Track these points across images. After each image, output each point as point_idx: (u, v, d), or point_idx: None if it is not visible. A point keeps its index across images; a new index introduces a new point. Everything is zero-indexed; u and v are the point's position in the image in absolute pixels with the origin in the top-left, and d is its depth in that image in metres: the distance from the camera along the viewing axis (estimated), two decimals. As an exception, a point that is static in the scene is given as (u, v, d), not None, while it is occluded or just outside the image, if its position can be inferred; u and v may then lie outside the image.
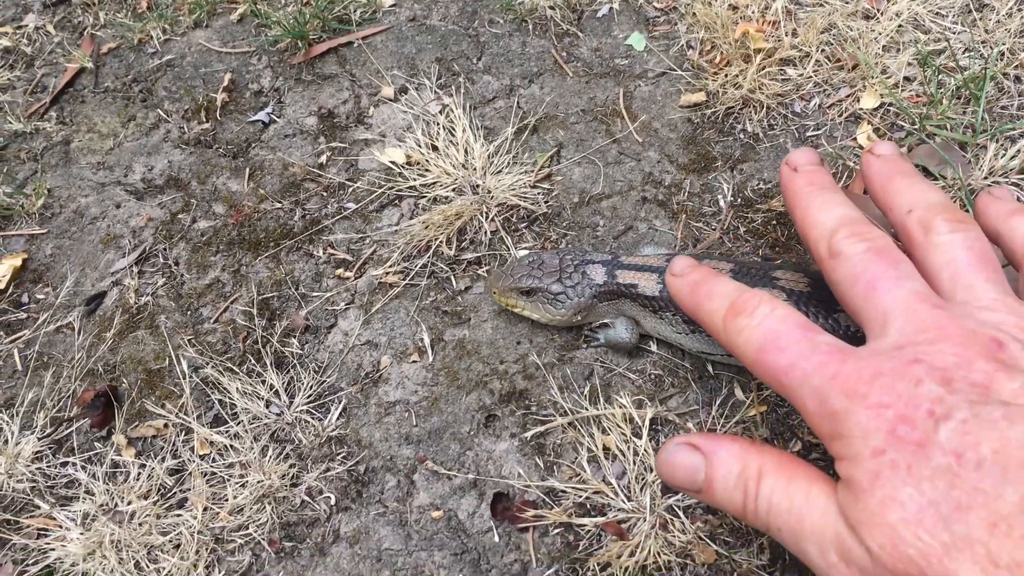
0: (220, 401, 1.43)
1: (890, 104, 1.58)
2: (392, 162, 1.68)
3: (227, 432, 1.39)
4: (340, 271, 1.57)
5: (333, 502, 1.32)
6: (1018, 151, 1.44)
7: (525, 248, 1.54)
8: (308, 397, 1.42)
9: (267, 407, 1.41)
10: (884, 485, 0.73)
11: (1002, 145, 1.48)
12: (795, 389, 0.84)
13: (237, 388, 1.42)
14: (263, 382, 1.43)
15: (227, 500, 1.32)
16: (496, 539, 1.26)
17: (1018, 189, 1.43)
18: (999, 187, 1.38)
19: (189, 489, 1.35)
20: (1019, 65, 1.59)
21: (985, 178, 1.44)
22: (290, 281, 1.57)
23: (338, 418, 1.40)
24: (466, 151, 1.65)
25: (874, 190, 1.04)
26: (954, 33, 1.66)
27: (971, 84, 1.53)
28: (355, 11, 1.97)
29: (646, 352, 1.40)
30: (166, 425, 1.43)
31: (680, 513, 1.22)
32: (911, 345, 0.80)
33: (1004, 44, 1.62)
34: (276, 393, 1.42)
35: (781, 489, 0.84)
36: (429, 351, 1.45)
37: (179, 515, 1.33)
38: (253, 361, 1.47)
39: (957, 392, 0.74)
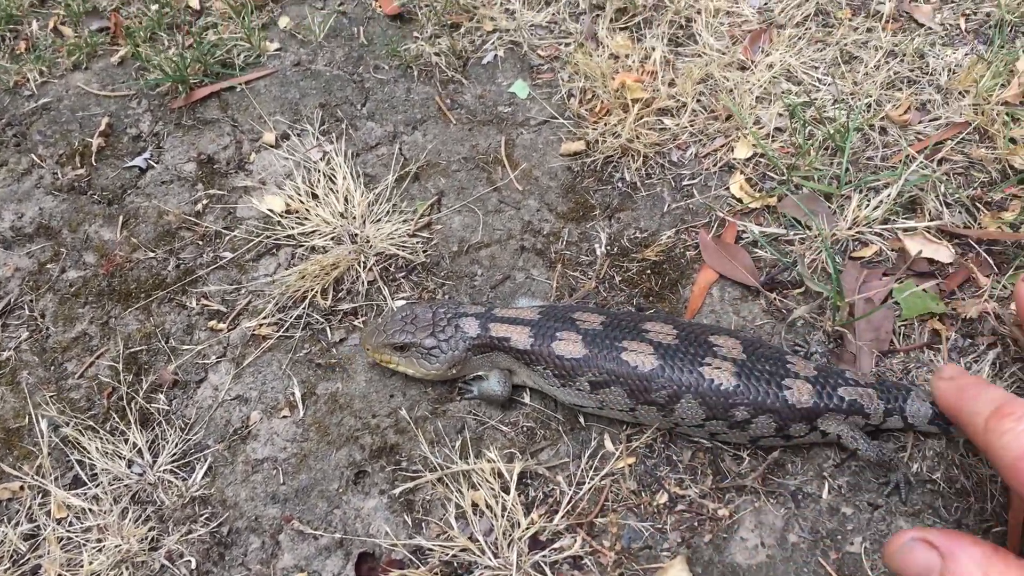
0: (79, 461, 1.38)
1: (762, 154, 1.62)
2: (270, 210, 1.66)
3: (85, 495, 1.34)
4: (213, 323, 1.54)
5: (194, 566, 1.27)
6: (880, 202, 1.49)
7: (402, 298, 1.52)
8: (173, 456, 1.38)
9: (129, 467, 1.36)
10: None
11: (866, 196, 1.52)
12: None
13: (97, 448, 1.36)
14: (126, 441, 1.39)
15: (82, 566, 1.27)
16: (361, 601, 1.23)
17: (881, 240, 1.47)
18: None
19: (43, 555, 1.30)
20: (885, 117, 1.64)
21: (849, 228, 1.48)
22: (160, 334, 1.53)
23: (203, 477, 1.36)
24: (346, 199, 1.63)
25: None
26: (824, 85, 1.71)
27: (837, 135, 1.57)
28: (239, 55, 1.94)
29: (519, 404, 1.39)
30: (22, 487, 1.37)
31: (547, 569, 1.21)
32: None
33: (871, 96, 1.67)
34: (139, 452, 1.38)
35: None
36: (300, 406, 1.42)
37: (31, 583, 1.27)
38: (117, 419, 1.42)
39: None
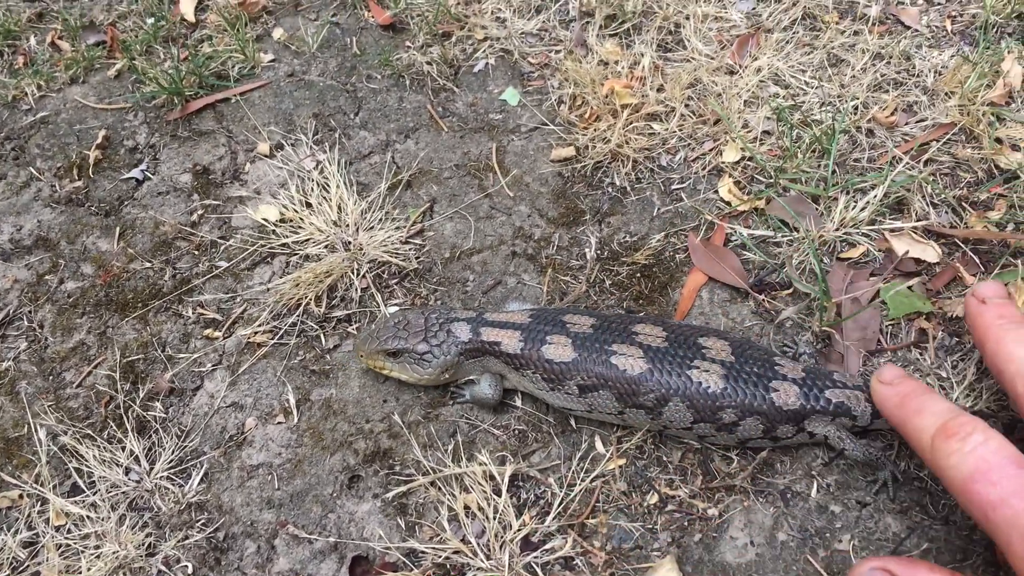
0: (78, 470, 1.39)
1: (750, 158, 1.63)
2: (265, 219, 1.68)
3: (83, 502, 1.36)
4: (209, 331, 1.55)
5: (190, 571, 1.29)
6: (867, 203, 1.50)
7: (395, 305, 1.54)
8: (169, 463, 1.39)
9: (126, 474, 1.38)
10: None
11: (852, 197, 1.53)
12: (1001, 526, 0.82)
13: (95, 456, 1.38)
14: (123, 448, 1.40)
15: (81, 573, 1.28)
16: (355, 604, 1.25)
17: (868, 240, 1.49)
18: None
19: (42, 562, 1.31)
20: (871, 119, 1.66)
21: (836, 230, 1.49)
22: (157, 343, 1.55)
23: (199, 483, 1.38)
24: (339, 207, 1.65)
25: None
26: (812, 88, 1.73)
27: (823, 137, 1.59)
28: (233, 67, 1.97)
29: (511, 407, 1.41)
30: (21, 496, 1.39)
31: (538, 570, 1.22)
32: None
33: (858, 98, 1.69)
34: (136, 459, 1.39)
35: None
36: (295, 412, 1.44)
37: (30, 590, 1.29)
38: (114, 427, 1.44)
39: None
